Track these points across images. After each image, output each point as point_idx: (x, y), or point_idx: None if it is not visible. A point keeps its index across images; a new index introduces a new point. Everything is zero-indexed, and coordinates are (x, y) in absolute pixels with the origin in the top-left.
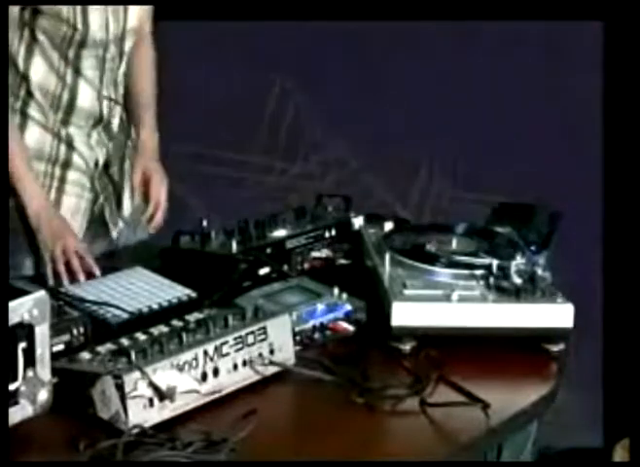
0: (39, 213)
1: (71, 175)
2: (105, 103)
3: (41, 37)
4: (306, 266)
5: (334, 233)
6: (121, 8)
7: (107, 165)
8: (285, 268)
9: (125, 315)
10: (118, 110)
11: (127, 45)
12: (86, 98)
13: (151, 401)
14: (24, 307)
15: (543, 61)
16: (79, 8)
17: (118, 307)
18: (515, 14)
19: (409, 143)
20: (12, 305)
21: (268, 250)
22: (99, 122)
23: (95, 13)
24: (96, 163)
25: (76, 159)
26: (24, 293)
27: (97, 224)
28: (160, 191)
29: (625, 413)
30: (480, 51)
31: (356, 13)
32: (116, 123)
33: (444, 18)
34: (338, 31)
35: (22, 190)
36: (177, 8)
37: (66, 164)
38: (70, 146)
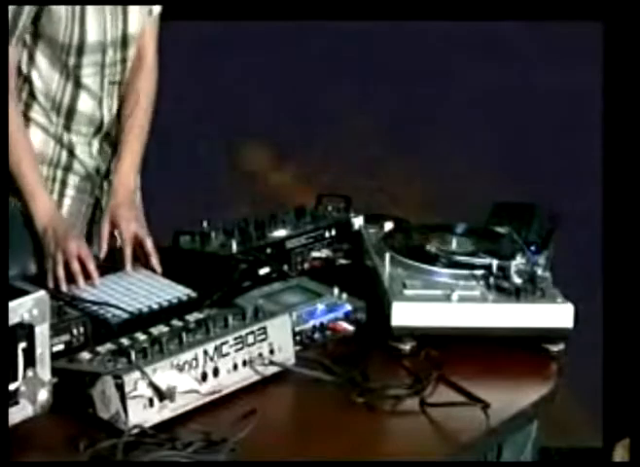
0: (45, 224)
1: (72, 179)
2: (106, 112)
3: (42, 42)
4: (306, 266)
5: (334, 233)
6: (120, 11)
7: (109, 172)
8: (285, 268)
9: (125, 315)
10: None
11: (131, 51)
12: (86, 104)
13: (151, 401)
14: (24, 307)
15: (543, 61)
16: (77, 10)
17: (118, 307)
18: (515, 14)
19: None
20: (12, 305)
21: (268, 250)
22: (99, 129)
23: (93, 15)
24: (98, 171)
25: (77, 165)
26: (24, 293)
27: (98, 228)
28: (128, 229)
29: (625, 413)
30: (476, 50)
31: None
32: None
33: (443, 18)
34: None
35: (31, 198)
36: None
37: (68, 168)
38: (71, 153)
